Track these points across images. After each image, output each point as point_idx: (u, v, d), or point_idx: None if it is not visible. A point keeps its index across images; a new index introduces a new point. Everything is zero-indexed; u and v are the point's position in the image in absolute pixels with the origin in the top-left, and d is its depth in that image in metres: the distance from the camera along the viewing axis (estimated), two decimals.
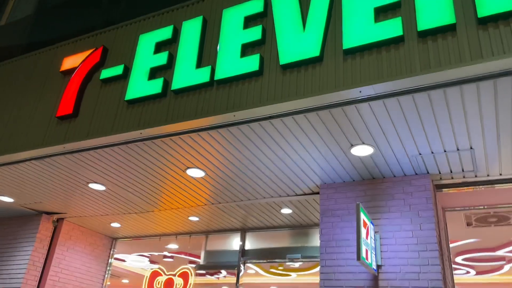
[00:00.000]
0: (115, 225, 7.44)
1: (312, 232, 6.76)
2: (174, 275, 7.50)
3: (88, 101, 5.11)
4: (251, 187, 5.50)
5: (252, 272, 11.62)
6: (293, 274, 11.29)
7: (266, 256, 7.02)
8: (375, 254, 4.44)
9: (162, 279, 7.57)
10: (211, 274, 11.06)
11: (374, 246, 4.45)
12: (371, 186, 4.92)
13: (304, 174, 5.01)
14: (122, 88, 4.92)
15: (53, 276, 6.96)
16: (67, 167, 5.27)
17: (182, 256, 9.81)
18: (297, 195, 5.64)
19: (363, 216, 4.21)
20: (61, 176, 5.54)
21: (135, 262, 11.23)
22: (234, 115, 4.04)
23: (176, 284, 7.37)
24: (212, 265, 7.51)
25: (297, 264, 10.12)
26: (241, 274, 7.05)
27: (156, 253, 9.95)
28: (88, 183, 5.68)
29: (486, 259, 7.36)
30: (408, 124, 3.87)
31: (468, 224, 5.93)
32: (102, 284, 7.87)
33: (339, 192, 5.09)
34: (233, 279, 12.40)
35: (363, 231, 4.14)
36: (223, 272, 11.83)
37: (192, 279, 7.34)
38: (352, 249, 4.71)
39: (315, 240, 6.71)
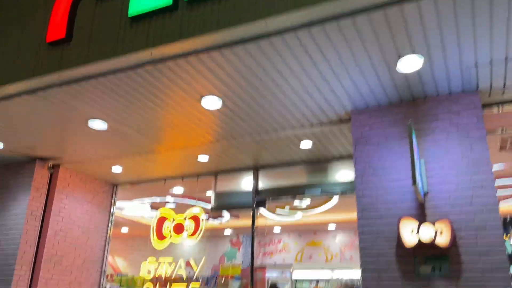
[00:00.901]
0: (117, 169, 6.88)
1: (331, 167, 6.33)
2: (184, 218, 7.09)
3: (82, 21, 4.36)
4: (272, 117, 4.95)
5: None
6: (299, 214, 11.10)
7: (283, 193, 6.60)
8: (421, 181, 4.02)
9: (170, 224, 7.17)
10: (214, 217, 10.76)
11: (420, 172, 4.02)
12: (412, 108, 4.42)
13: (335, 97, 4.46)
14: (122, 4, 4.18)
15: (54, 225, 6.47)
16: (63, 101, 4.61)
17: (187, 200, 9.41)
18: (322, 124, 5.12)
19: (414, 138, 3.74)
20: (57, 113, 4.88)
21: (135, 209, 10.83)
22: (266, 23, 3.40)
23: (187, 227, 6.98)
24: (225, 206, 7.09)
25: (304, 203, 9.87)
26: (257, 215, 6.66)
27: (159, 200, 9.52)
28: (88, 119, 5.05)
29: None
30: (474, 24, 3.30)
31: (502, 148, 5.56)
32: (106, 233, 7.43)
33: (374, 117, 4.58)
34: (235, 223, 12.17)
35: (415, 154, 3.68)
36: (226, 216, 11.58)
37: (203, 223, 6.95)
38: (393, 177, 4.27)
39: (335, 175, 6.30)
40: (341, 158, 6.18)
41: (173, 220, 7.18)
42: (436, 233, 3.79)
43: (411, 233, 3.89)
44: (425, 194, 4.08)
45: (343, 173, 6.24)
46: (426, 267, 3.88)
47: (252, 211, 6.65)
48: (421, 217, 4.00)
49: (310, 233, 11.93)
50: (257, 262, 12.39)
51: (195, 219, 7.03)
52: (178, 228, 7.10)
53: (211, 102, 4.59)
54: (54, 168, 6.66)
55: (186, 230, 6.98)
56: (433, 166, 4.14)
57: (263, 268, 11.03)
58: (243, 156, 6.28)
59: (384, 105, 4.57)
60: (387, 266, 4.05)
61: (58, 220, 6.57)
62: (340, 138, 5.50)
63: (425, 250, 3.90)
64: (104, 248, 7.34)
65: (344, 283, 7.93)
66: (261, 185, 6.77)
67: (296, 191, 6.51)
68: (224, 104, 4.64)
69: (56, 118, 5.02)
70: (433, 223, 3.85)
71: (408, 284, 3.91)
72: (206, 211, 7.18)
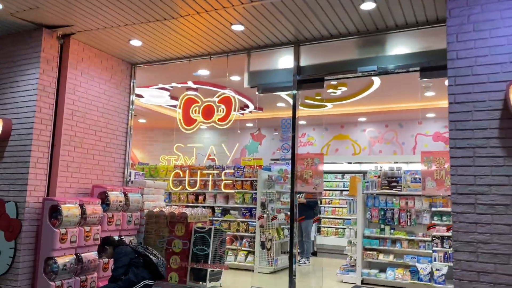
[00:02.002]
0: (135, 43, 5.94)
1: (391, 38, 5.34)
2: (214, 101, 6.32)
3: None
4: None
5: (282, 105, 10.63)
6: (329, 105, 10.34)
7: (330, 71, 5.71)
8: None
9: (199, 106, 6.42)
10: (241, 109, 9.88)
11: None
12: None
13: None
14: None
15: (70, 104, 5.74)
16: None
17: (210, 88, 8.57)
18: None
19: None
20: None
21: (154, 98, 10.08)
22: None
23: (219, 110, 6.24)
24: (260, 87, 6.26)
25: (338, 92, 9.03)
26: (298, 97, 5.84)
27: (180, 86, 8.70)
28: None
29: None
30: None
31: None
32: (128, 116, 6.73)
33: None
34: (259, 115, 11.50)
35: None
36: (249, 107, 10.84)
37: (236, 104, 6.19)
38: (501, 32, 3.34)
39: (394, 49, 5.34)
40: (402, 28, 5.17)
41: (202, 102, 6.41)
42: None
43: None
44: None
45: (403, 48, 5.28)
46: None
47: (293, 93, 5.83)
48: None
49: (337, 126, 11.30)
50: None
51: (227, 101, 6.26)
52: (208, 112, 6.37)
53: None
54: (65, 38, 5.73)
55: (217, 114, 6.24)
56: None
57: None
58: (282, 26, 5.28)
59: None
60: (485, 141, 3.30)
61: (74, 99, 5.81)
62: None
63: None
64: (126, 132, 6.70)
65: (383, 172, 7.39)
66: (303, 62, 5.86)
67: (347, 67, 5.58)
68: None
69: None
70: None
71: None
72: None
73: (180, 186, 7.86)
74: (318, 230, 10.69)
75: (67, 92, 5.70)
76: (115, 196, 5.96)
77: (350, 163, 11.01)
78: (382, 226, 7.21)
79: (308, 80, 5.74)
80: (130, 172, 6.91)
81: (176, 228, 6.35)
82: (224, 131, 11.76)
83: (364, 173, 10.83)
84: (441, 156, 5.05)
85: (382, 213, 7.25)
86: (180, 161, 10.72)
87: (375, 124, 10.93)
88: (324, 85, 5.69)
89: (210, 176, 7.98)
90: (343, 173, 11.05)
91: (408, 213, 7.07)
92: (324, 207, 10.95)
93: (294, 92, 5.79)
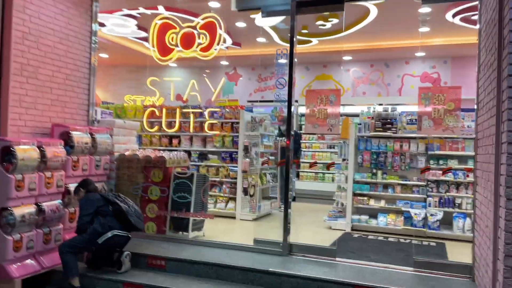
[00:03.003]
0: None
1: None
2: (195, 26, 5.39)
3: None
4: None
5: (262, 41, 9.70)
6: (314, 40, 9.52)
7: None
8: None
9: (177, 32, 5.47)
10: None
11: None
12: None
13: None
14: None
15: (19, 25, 4.65)
16: None
17: (186, 16, 7.52)
18: None
19: None
20: None
21: (118, 27, 8.87)
22: None
23: (200, 37, 5.33)
24: (250, 5, 5.35)
25: (328, 25, 8.21)
26: (296, 23, 5.01)
27: (149, 12, 7.58)
28: None
29: None
30: None
31: None
32: (90, 43, 5.69)
33: None
34: (236, 52, 10.54)
35: None
36: (226, 42, 9.84)
37: (222, 31, 5.30)
38: None
39: None
40: None
41: (180, 28, 5.47)
42: None
43: None
44: None
45: None
46: None
47: (290, 15, 4.99)
48: None
49: (320, 66, 10.58)
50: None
51: (211, 28, 5.36)
52: (187, 40, 5.46)
53: None
54: None
55: (199, 42, 5.35)
56: None
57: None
58: None
59: None
60: None
61: (24, 19, 4.72)
62: None
63: None
64: (90, 62, 5.70)
65: (377, 113, 6.85)
66: None
67: None
68: None
69: None
70: None
71: None
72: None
73: (156, 127, 7.03)
74: (297, 175, 10.25)
75: (14, 9, 4.60)
76: (79, 137, 5.09)
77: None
78: (374, 171, 6.77)
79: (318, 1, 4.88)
80: (96, 110, 6.00)
81: (152, 174, 5.62)
82: (196, 71, 10.79)
83: (347, 116, 10.33)
84: (441, 93, 4.51)
85: (375, 157, 6.79)
86: (147, 102, 9.77)
87: (360, 64, 10.29)
88: (344, 7, 4.84)
89: (192, 116, 7.16)
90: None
91: (402, 157, 6.64)
92: (304, 151, 10.46)
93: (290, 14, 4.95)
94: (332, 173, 9.62)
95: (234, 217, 7.24)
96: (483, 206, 3.75)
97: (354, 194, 6.74)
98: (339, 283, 4.04)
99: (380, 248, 5.51)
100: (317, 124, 4.92)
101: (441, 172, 6.32)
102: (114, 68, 11.50)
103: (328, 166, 8.72)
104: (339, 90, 4.95)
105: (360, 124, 6.92)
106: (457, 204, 6.27)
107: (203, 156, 7.86)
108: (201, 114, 7.72)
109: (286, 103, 5.04)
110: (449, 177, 6.31)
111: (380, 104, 9.64)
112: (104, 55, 10.39)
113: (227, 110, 7.66)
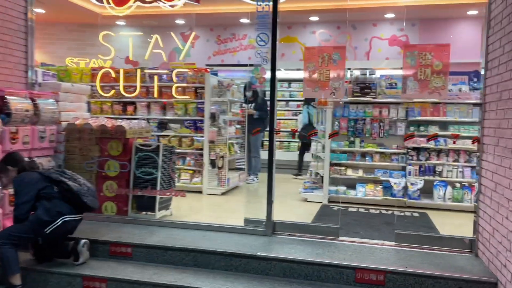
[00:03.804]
0: None
1: None
2: None
3: None
4: None
5: None
6: None
7: None
8: None
9: None
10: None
11: None
12: None
13: None
14: None
15: None
16: None
17: None
18: None
19: None
20: None
21: None
22: None
23: None
24: None
25: None
26: None
27: None
28: None
29: None
30: None
31: None
32: None
33: None
34: (192, 9, 9.57)
35: None
36: None
37: None
38: None
39: None
40: None
41: None
42: None
43: None
44: None
45: None
46: None
47: None
48: None
49: (284, 27, 9.89)
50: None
51: None
52: None
53: None
54: None
55: None
56: None
57: None
58: None
59: None
60: None
61: None
62: None
63: None
64: (26, 12, 4.68)
65: (355, 77, 6.38)
66: None
67: None
68: None
69: None
70: None
71: None
72: None
73: (112, 91, 6.11)
74: (261, 144, 9.68)
75: None
76: (17, 102, 4.18)
77: (300, 69, 9.85)
78: (352, 139, 6.35)
79: None
80: (36, 71, 5.02)
81: (109, 146, 4.82)
82: (147, 30, 9.72)
83: None
84: (429, 51, 4.09)
85: (352, 124, 6.35)
86: (92, 65, 8.67)
87: (326, 25, 9.73)
88: None
89: (155, 78, 6.28)
90: (290, 81, 9.93)
91: (381, 123, 6.25)
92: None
93: None
94: (298, 142, 9.17)
95: (200, 192, 6.59)
96: (496, 175, 3.40)
97: (331, 164, 6.31)
98: (340, 266, 3.57)
99: (366, 222, 5.13)
100: (317, 87, 4.32)
101: (424, 139, 6.00)
102: (52, 26, 10.11)
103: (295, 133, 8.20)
104: (343, 47, 4.34)
105: None
106: (437, 172, 6.02)
107: (162, 125, 7.06)
108: (160, 78, 6.87)
109: (269, 65, 4.38)
110: (431, 144, 6.02)
111: (348, 69, 9.21)
112: (40, 10, 9.01)
113: (189, 73, 6.85)
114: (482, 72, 3.88)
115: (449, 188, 5.85)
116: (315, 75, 4.29)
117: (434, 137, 5.74)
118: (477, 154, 3.97)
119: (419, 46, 4.33)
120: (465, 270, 3.48)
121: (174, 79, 6.23)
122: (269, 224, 4.35)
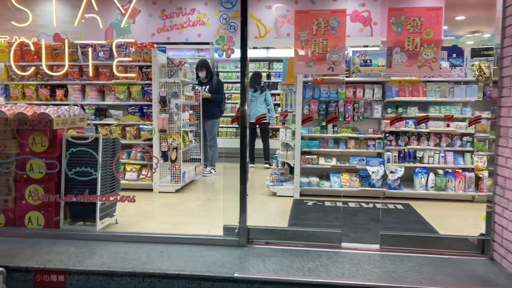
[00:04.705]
0: None
1: None
2: None
3: None
4: None
5: None
6: None
7: None
8: None
9: None
10: None
11: None
12: None
13: None
14: None
15: None
16: None
17: None
18: None
19: None
20: None
21: None
22: None
23: None
24: None
25: None
26: None
27: None
28: None
29: None
30: None
31: None
32: None
33: None
34: None
35: None
36: None
37: None
38: None
39: None
40: None
41: None
42: None
43: None
44: None
45: None
46: None
47: None
48: None
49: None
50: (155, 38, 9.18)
51: None
52: None
53: None
54: None
55: None
56: None
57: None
58: None
59: None
60: None
61: None
62: None
63: None
64: None
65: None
66: None
67: None
68: None
69: None
70: None
71: None
72: None
73: (33, 69, 4.90)
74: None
75: None
76: None
77: (256, 48, 8.99)
78: (323, 124, 5.63)
79: None
80: None
81: (31, 140, 3.72)
82: (76, 3, 8.37)
83: (270, 60, 9.02)
84: (418, 16, 3.46)
85: (324, 106, 5.62)
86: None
87: (283, 0, 8.90)
88: None
89: (90, 52, 5.11)
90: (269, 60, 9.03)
91: (355, 105, 5.58)
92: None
93: None
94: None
95: (151, 190, 5.61)
96: None
97: (301, 153, 5.56)
98: (343, 287, 2.82)
99: (350, 220, 4.44)
100: (312, 61, 3.49)
101: (403, 121, 5.41)
102: None
103: (258, 120, 7.38)
104: (344, 10, 3.53)
105: None
106: (418, 158, 5.47)
107: (101, 112, 5.94)
108: (97, 55, 5.73)
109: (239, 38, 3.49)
110: (410, 127, 5.45)
111: None
112: None
113: (132, 49, 5.77)
114: (497, 41, 3.25)
115: (431, 175, 5.32)
116: (309, 47, 3.46)
117: (425, 119, 5.17)
118: (490, 138, 3.37)
119: (407, 10, 3.63)
120: (491, 281, 2.86)
121: (115, 54, 5.12)
122: (243, 232, 3.51)
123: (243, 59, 3.45)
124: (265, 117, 7.50)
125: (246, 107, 3.52)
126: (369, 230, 4.02)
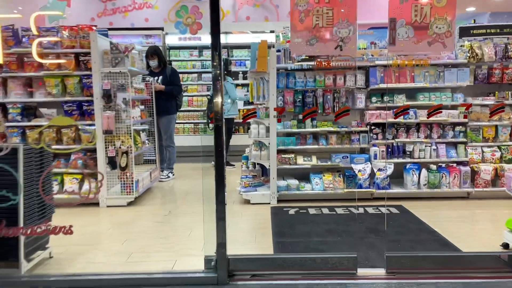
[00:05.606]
0: None
1: None
2: None
3: None
4: None
5: None
6: None
7: None
8: None
9: None
10: None
11: None
12: None
13: None
14: None
15: None
16: None
17: None
18: None
19: None
20: None
21: None
22: None
23: None
24: None
25: None
26: None
27: None
28: None
29: None
30: None
31: None
32: None
33: None
34: None
35: None
36: None
37: None
38: None
39: None
40: None
41: None
42: None
43: None
44: None
45: None
46: None
47: None
48: None
49: None
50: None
51: None
52: None
53: None
54: None
55: None
56: None
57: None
58: None
59: None
60: None
61: None
62: None
63: None
64: None
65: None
66: None
67: None
68: None
69: None
70: None
71: None
72: None
73: None
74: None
75: None
76: None
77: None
78: (300, 117, 4.86)
79: None
80: None
81: None
82: None
83: (231, 47, 8.12)
84: None
85: (300, 97, 4.85)
86: None
87: None
88: None
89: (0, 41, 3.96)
90: (201, 48, 8.05)
91: (336, 94, 4.86)
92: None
93: None
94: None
95: (97, 204, 4.60)
96: None
97: (277, 152, 4.77)
98: None
99: (345, 231, 3.70)
100: (314, 39, 2.67)
101: (391, 112, 4.74)
102: None
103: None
104: None
105: (280, 50, 4.83)
106: (408, 153, 4.85)
107: (30, 111, 4.82)
108: (17, 42, 4.62)
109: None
110: (399, 118, 4.80)
111: (272, 31, 7.70)
112: None
113: (65, 33, 4.69)
114: None
115: (423, 171, 4.72)
116: (310, 18, 2.65)
117: (437, 110, 4.54)
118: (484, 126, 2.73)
119: None
120: None
121: (34, 45, 3.99)
122: (222, 264, 2.68)
123: (214, 33, 2.57)
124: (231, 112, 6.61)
125: (219, 99, 2.66)
126: (372, 246, 3.30)
